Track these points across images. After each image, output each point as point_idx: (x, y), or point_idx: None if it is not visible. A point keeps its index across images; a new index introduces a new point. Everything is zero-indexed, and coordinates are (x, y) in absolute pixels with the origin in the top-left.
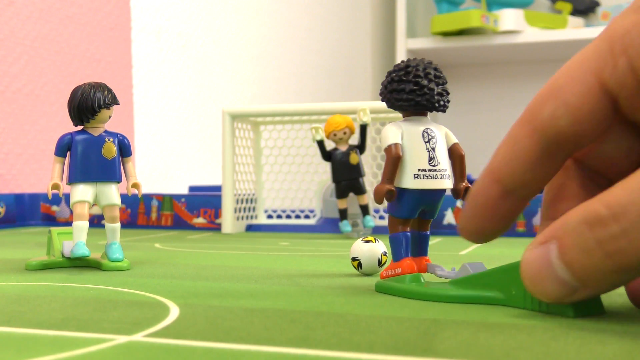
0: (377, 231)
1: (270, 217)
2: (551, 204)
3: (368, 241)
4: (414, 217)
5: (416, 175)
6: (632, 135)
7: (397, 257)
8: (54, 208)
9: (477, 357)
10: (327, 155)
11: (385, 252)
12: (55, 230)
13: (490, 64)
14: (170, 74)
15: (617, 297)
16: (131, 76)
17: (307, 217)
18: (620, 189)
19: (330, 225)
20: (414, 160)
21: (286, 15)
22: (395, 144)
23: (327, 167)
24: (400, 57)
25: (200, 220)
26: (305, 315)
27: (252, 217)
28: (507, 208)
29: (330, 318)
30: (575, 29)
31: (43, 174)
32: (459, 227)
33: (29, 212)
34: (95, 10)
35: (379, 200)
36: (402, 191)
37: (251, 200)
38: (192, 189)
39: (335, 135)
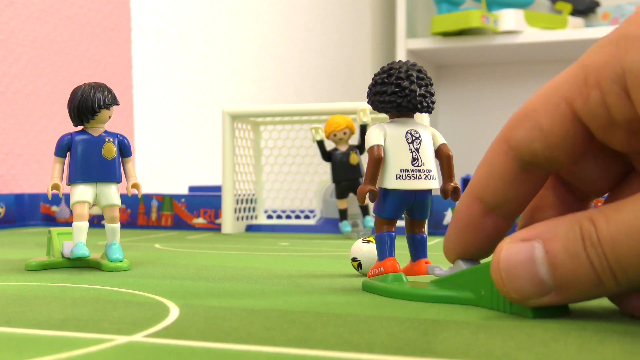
0: None
1: (270, 217)
2: (529, 212)
3: (368, 241)
4: (399, 217)
5: (398, 176)
6: (607, 156)
7: (381, 256)
8: (54, 208)
9: (477, 357)
10: (327, 155)
11: None
12: (55, 230)
13: (490, 64)
14: (170, 74)
15: None
16: (131, 76)
17: (307, 217)
18: (605, 220)
19: (330, 226)
20: (397, 161)
21: (286, 15)
22: (377, 146)
23: (327, 167)
24: (400, 57)
25: (200, 221)
26: (305, 315)
27: (252, 218)
28: (491, 226)
29: (330, 318)
30: (575, 29)
31: (43, 174)
32: (443, 247)
33: (29, 212)
34: (95, 10)
35: (361, 201)
36: (386, 192)
37: (251, 200)
38: (192, 189)
39: (335, 135)
